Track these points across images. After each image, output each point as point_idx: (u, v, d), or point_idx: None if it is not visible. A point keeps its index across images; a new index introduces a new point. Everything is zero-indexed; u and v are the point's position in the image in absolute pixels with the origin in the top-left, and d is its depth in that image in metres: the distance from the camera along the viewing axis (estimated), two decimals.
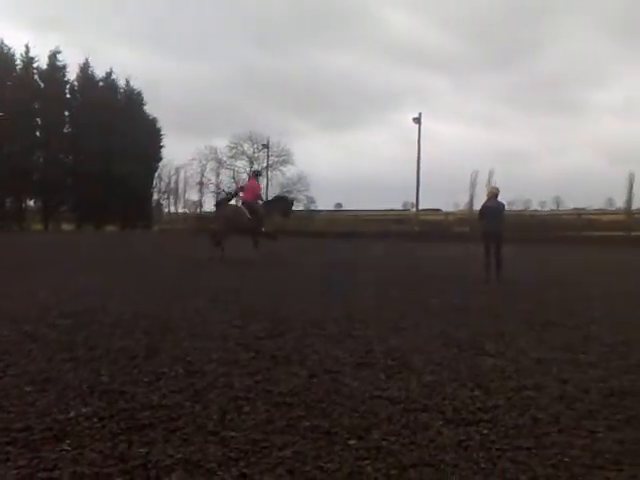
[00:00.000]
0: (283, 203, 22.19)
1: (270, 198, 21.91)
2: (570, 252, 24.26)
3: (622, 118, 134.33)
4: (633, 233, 33.18)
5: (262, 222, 20.30)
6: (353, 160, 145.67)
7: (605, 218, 45.35)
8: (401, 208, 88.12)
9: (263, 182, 72.53)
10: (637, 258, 20.84)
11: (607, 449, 3.92)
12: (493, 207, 14.85)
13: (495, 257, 14.40)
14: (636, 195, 71.74)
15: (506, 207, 15.80)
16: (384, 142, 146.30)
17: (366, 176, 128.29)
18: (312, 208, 74.79)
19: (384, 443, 4.01)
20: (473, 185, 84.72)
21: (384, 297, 11.05)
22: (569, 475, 3.53)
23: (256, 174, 22.08)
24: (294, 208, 23.66)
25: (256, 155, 77.97)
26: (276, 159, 75.57)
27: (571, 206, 74.67)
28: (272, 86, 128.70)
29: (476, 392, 5.14)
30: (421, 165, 50.34)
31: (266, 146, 70.45)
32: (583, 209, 62.76)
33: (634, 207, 62.35)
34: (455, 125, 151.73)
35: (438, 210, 65.35)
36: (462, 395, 5.06)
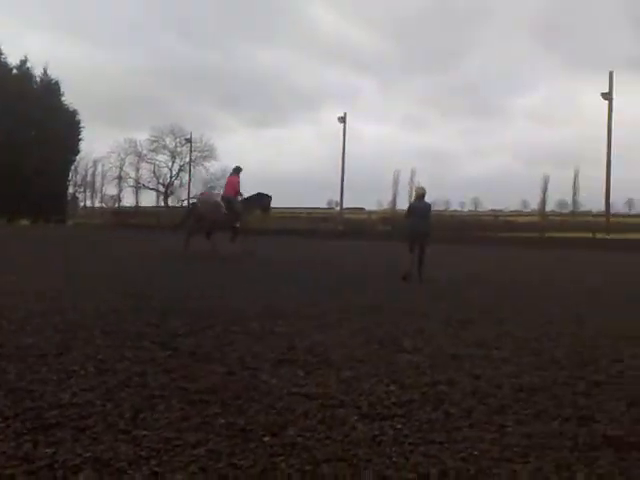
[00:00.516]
0: (262, 199, 22.38)
1: (249, 195, 21.86)
2: (487, 252, 25.00)
3: (539, 122, 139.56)
4: (547, 234, 34.49)
5: (239, 217, 20.85)
6: (279, 157, 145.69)
7: (520, 219, 47.02)
8: (326, 206, 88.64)
9: (186, 177, 71.52)
10: (550, 257, 21.67)
11: (515, 443, 4.03)
12: (420, 207, 15.12)
13: (419, 256, 14.65)
14: (550, 197, 74.88)
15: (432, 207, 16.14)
16: (310, 140, 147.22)
17: (292, 174, 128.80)
18: None
19: (299, 439, 4.00)
20: (396, 184, 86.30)
21: (308, 294, 11.06)
22: (478, 468, 3.61)
23: (237, 170, 21.86)
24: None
25: (178, 150, 76.80)
26: (199, 154, 74.57)
27: (489, 207, 77.08)
28: (197, 79, 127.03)
29: (392, 387, 5.21)
30: (346, 164, 50.84)
31: (189, 140, 69.20)
32: (500, 210, 64.98)
33: (548, 209, 64.97)
34: (380, 125, 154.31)
35: (362, 209, 66.03)
36: (378, 390, 5.11)
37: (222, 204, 20.89)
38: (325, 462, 3.66)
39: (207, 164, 75.33)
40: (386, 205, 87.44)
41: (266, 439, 4.00)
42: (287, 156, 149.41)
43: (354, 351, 6.54)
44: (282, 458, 3.70)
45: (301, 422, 4.33)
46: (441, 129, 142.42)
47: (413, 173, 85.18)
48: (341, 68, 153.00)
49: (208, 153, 75.27)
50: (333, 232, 39.04)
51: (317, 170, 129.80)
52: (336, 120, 50.21)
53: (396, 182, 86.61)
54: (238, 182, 21.65)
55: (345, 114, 50.47)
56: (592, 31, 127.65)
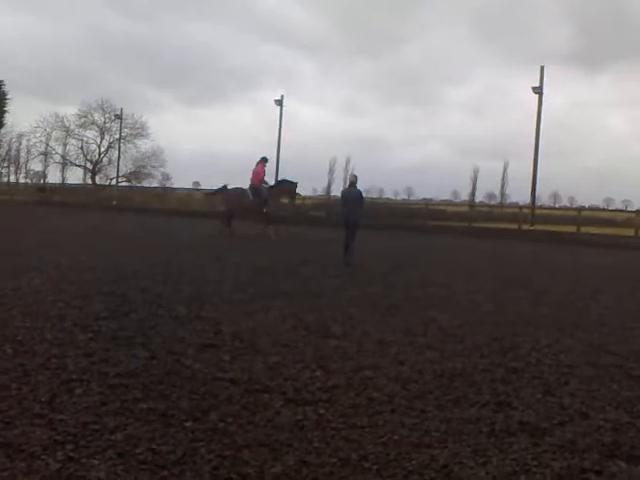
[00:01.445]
0: (288, 186, 23.55)
1: (275, 182, 23.91)
2: (417, 239, 25.43)
3: (473, 113, 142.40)
4: (474, 224, 35.36)
5: (265, 203, 22.41)
6: (214, 137, 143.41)
7: (450, 209, 47.99)
8: None
9: (115, 154, 69.51)
10: (479, 247, 22.23)
11: (435, 428, 4.12)
12: (351, 194, 15.32)
13: (349, 242, 14.79)
14: (479, 189, 76.82)
15: (363, 194, 16.30)
16: (247, 121, 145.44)
17: (227, 155, 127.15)
18: (167, 185, 72.79)
19: (221, 424, 3.98)
20: (331, 171, 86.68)
21: (239, 279, 10.97)
22: (397, 453, 3.68)
23: (263, 160, 23.08)
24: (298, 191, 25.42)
25: (108, 126, 74.60)
26: (130, 131, 72.56)
27: (421, 196, 78.36)
28: (130, 54, 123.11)
29: (318, 373, 5.24)
30: (282, 148, 50.58)
31: (119, 117, 67.06)
32: (431, 200, 66.23)
33: (477, 200, 66.59)
34: (318, 109, 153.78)
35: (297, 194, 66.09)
36: (304, 376, 5.13)
37: (248, 191, 22.69)
38: (246, 447, 3.65)
39: (138, 142, 73.42)
40: (321, 191, 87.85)
41: (187, 424, 3.96)
42: (222, 136, 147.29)
43: (281, 337, 6.53)
44: (203, 443, 3.67)
45: (224, 407, 4.31)
46: (378, 116, 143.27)
47: (348, 160, 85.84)
48: (281, 48, 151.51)
49: (139, 131, 73.35)
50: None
51: (253, 152, 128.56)
52: (273, 102, 49.84)
53: (332, 169, 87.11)
54: (264, 171, 23.03)
55: (282, 97, 50.04)
56: (529, 25, 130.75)
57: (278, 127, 49.59)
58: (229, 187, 24.14)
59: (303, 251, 17.80)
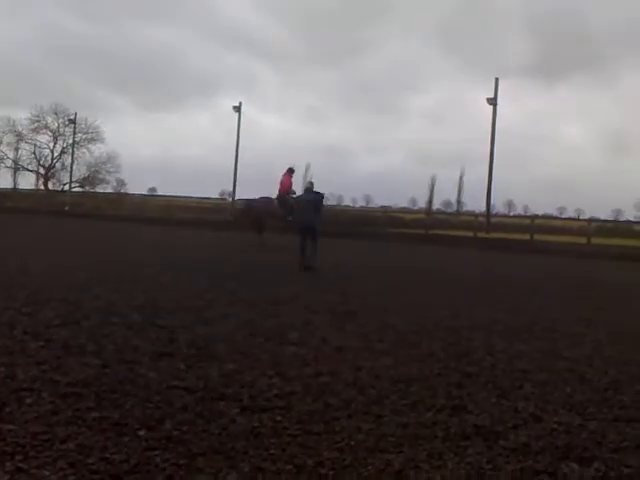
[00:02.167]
0: (315, 196, 23.18)
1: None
2: (375, 246, 25.56)
3: (432, 122, 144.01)
4: (431, 231, 35.77)
5: (291, 212, 22.30)
6: (172, 143, 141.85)
7: (408, 217, 48.46)
8: (218, 197, 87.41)
9: (68, 160, 68.01)
10: (435, 254, 22.49)
11: (391, 433, 4.13)
12: (306, 199, 15.56)
13: (310, 248, 14.89)
14: (436, 196, 77.77)
15: (322, 200, 16.42)
16: (206, 128, 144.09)
17: (184, 161, 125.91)
18: (122, 191, 71.58)
19: (175, 433, 3.92)
20: None
21: (194, 286, 10.86)
22: (353, 458, 3.67)
23: (290, 170, 23.77)
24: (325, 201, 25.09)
25: (61, 130, 72.99)
26: (84, 136, 71.14)
27: (380, 204, 78.86)
28: (85, 57, 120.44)
29: (274, 380, 5.21)
30: (242, 154, 50.30)
31: (73, 121, 65.65)
32: (389, 207, 66.79)
33: (434, 208, 67.46)
34: (280, 117, 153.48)
35: None
36: (261, 383, 5.10)
37: (274, 200, 23.46)
38: (201, 455, 3.60)
39: (92, 147, 72.00)
40: None
41: (141, 433, 3.89)
42: (181, 142, 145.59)
43: (238, 344, 6.48)
44: (157, 452, 3.61)
45: (179, 415, 4.24)
46: (339, 124, 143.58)
47: (308, 167, 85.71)
48: (241, 55, 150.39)
49: (94, 135, 71.96)
50: (223, 223, 38.50)
51: (211, 159, 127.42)
52: (232, 108, 49.42)
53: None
54: (291, 181, 23.62)
55: (240, 103, 49.59)
56: (489, 36, 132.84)
57: (237, 132, 49.26)
58: (257, 197, 24.98)
59: (260, 257, 17.72)
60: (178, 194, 68.99)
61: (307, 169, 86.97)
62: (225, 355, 5.95)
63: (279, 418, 4.28)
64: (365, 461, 3.64)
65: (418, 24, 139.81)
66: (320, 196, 16.06)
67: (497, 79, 39.39)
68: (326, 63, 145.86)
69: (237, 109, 49.26)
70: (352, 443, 3.90)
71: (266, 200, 24.20)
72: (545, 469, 3.67)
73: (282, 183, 23.57)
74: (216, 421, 4.17)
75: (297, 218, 15.66)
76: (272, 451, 3.71)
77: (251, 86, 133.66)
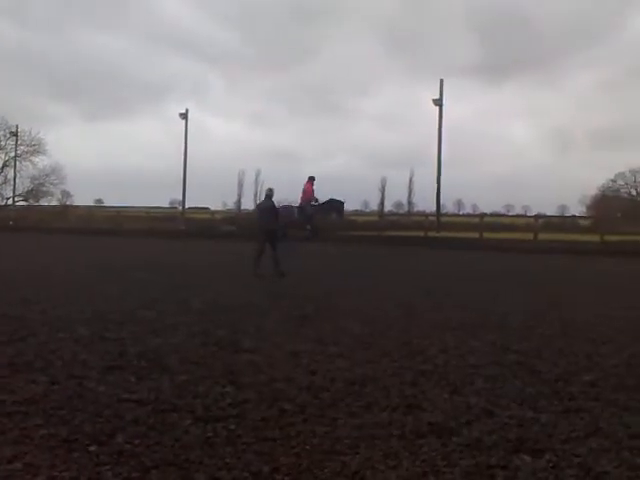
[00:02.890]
0: (335, 204, 25.28)
1: (324, 200, 25.22)
2: (328, 251, 25.61)
3: (382, 124, 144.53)
4: (384, 233, 36.04)
5: (310, 220, 23.82)
6: (119, 152, 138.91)
7: (360, 219, 48.67)
8: (168, 206, 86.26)
9: (10, 173, 66.16)
10: (387, 255, 22.64)
11: (346, 435, 4.13)
12: (266, 207, 15.70)
13: (270, 254, 15.01)
14: (387, 198, 78.54)
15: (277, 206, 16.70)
16: (153, 135, 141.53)
17: (132, 171, 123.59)
18: (68, 203, 69.82)
19: (127, 446, 3.84)
20: (241, 184, 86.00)
21: (144, 296, 10.67)
22: (309, 462, 3.66)
23: (311, 179, 24.49)
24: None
25: (2, 144, 71.06)
26: (26, 149, 69.30)
27: None
28: (27, 66, 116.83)
29: (228, 388, 5.15)
30: (191, 161, 49.82)
31: (14, 134, 63.97)
32: None
33: (386, 209, 68.04)
34: (228, 122, 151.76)
35: (207, 208, 64.83)
36: (214, 392, 5.04)
37: (294, 209, 24.55)
38: (154, 468, 3.54)
39: (35, 159, 70.17)
40: (231, 205, 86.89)
41: (92, 448, 3.80)
42: (128, 151, 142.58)
43: (190, 354, 6.39)
44: (108, 467, 3.54)
45: (130, 429, 4.16)
46: (289, 128, 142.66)
47: (259, 173, 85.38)
48: (189, 60, 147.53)
49: (36, 147, 70.12)
50: (174, 232, 37.98)
51: (160, 167, 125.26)
52: (179, 115, 48.74)
53: (241, 182, 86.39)
54: (312, 189, 24.39)
55: (187, 110, 48.97)
56: (436, 37, 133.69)
57: (184, 140, 48.70)
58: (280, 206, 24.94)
59: (212, 266, 17.55)
60: (126, 204, 67.56)
61: (257, 174, 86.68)
62: (177, 366, 5.87)
63: (233, 427, 4.24)
64: (321, 464, 3.63)
65: (365, 25, 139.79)
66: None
67: (442, 80, 40.03)
68: (275, 66, 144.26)
69: (184, 116, 48.70)
70: (308, 447, 3.89)
71: (287, 209, 24.73)
72: (498, 463, 3.72)
73: (305, 191, 24.23)
74: (169, 433, 4.10)
75: (259, 224, 15.83)
76: (227, 460, 3.67)
77: (199, 91, 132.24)
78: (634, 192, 79.21)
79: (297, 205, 24.81)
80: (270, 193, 16.01)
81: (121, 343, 6.79)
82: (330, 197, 25.25)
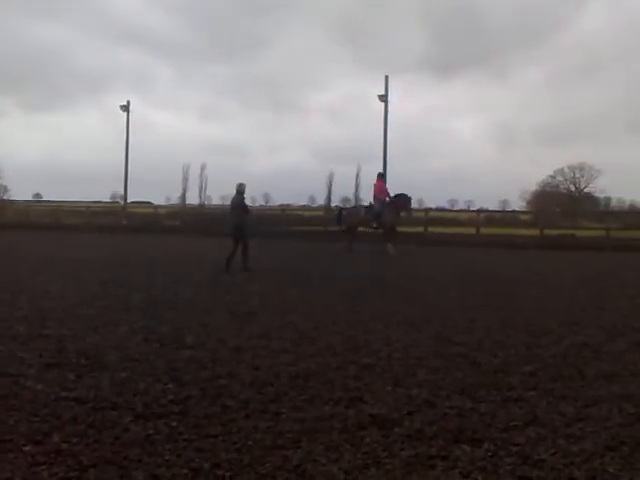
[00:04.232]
0: (403, 200, 23.97)
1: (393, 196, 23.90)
2: (275, 246, 25.53)
3: (331, 119, 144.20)
4: (330, 228, 36.18)
5: (378, 218, 23.08)
6: (59, 145, 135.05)
7: (307, 214, 48.77)
8: (109, 200, 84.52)
9: None
10: (334, 250, 22.72)
11: (289, 429, 4.13)
12: (234, 202, 15.88)
13: (240, 249, 15.14)
14: (334, 193, 78.85)
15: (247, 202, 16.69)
16: (95, 127, 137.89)
17: (73, 164, 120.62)
18: (5, 198, 67.75)
19: (65, 445, 3.76)
20: (185, 178, 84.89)
21: (84, 293, 10.44)
22: (250, 457, 3.64)
23: (381, 175, 24.27)
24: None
25: None
26: None
27: (279, 202, 78.84)
28: None
29: (170, 385, 5.08)
30: (135, 155, 48.94)
31: None
32: (289, 205, 67.05)
33: (333, 204, 68.26)
34: (176, 115, 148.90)
35: (150, 203, 63.73)
36: (155, 389, 4.96)
37: (361, 208, 24.80)
38: (92, 467, 3.47)
39: None
40: (175, 200, 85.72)
41: (27, 448, 3.70)
42: (68, 144, 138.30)
43: (131, 351, 6.28)
44: (44, 467, 3.45)
45: (68, 428, 4.06)
46: (238, 121, 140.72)
47: (204, 167, 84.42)
48: (134, 50, 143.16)
49: None
50: (116, 227, 37.24)
51: (102, 160, 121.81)
52: (120, 107, 47.54)
53: (185, 176, 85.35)
54: (380, 186, 23.81)
55: (128, 102, 47.60)
56: (387, 32, 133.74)
57: (126, 133, 47.62)
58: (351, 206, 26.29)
59: (155, 261, 17.29)
60: (66, 199, 65.62)
61: (202, 169, 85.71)
62: (117, 363, 5.76)
63: (175, 424, 4.18)
64: (263, 459, 3.62)
65: (319, 18, 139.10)
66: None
67: (387, 76, 40.19)
68: (224, 58, 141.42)
69: (125, 108, 47.61)
70: (250, 443, 3.87)
71: (357, 208, 25.51)
72: (438, 453, 3.77)
73: (379, 189, 23.69)
74: (108, 431, 4.02)
75: (230, 220, 15.99)
76: (167, 457, 3.62)
77: (144, 83, 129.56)
78: (572, 188, 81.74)
79: (370, 203, 24.29)
80: (240, 188, 15.97)
81: (60, 340, 6.63)
82: (399, 192, 24.46)
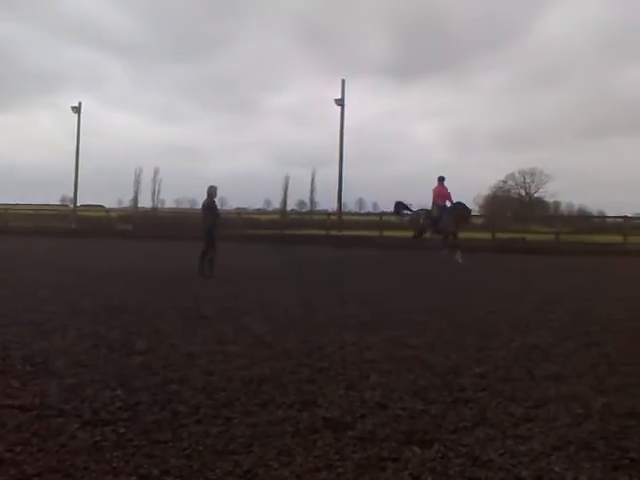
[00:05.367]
0: (463, 212, 23.27)
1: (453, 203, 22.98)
2: (230, 250, 25.41)
3: (289, 122, 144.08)
4: (286, 231, 36.19)
5: (436, 224, 22.46)
6: (7, 147, 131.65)
7: (264, 218, 48.66)
8: (59, 203, 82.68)
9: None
10: (290, 254, 22.72)
11: (240, 434, 4.09)
12: (205, 205, 15.88)
13: (210, 253, 15.18)
14: (290, 197, 78.97)
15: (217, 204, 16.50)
16: (45, 128, 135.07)
17: (21, 166, 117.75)
18: None
19: (8, 454, 3.65)
20: (137, 181, 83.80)
21: (31, 298, 10.17)
22: (201, 463, 3.59)
23: (441, 179, 23.03)
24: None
25: None
26: None
27: (234, 206, 78.39)
28: None
29: (119, 392, 4.98)
30: (86, 157, 48.12)
31: None
32: (244, 209, 66.75)
33: (288, 208, 68.25)
34: (130, 116, 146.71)
35: (102, 206, 62.49)
36: (103, 396, 4.86)
37: (422, 213, 23.75)
38: (36, 476, 3.38)
39: None
40: (127, 203, 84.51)
41: None
42: (17, 146, 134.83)
43: (79, 357, 6.14)
44: None
45: (12, 436, 3.95)
46: (194, 123, 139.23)
47: (157, 170, 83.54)
48: (87, 49, 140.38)
49: None
50: (65, 231, 36.43)
51: (52, 163, 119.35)
52: (71, 109, 46.52)
53: (137, 179, 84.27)
54: (440, 190, 22.75)
55: (80, 104, 46.71)
56: (348, 35, 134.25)
57: (77, 134, 46.69)
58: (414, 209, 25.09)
59: (107, 266, 16.98)
60: (13, 201, 63.73)
61: (156, 172, 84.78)
62: (64, 370, 5.62)
63: (123, 430, 4.10)
64: (213, 464, 3.58)
65: (281, 20, 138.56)
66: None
67: (344, 80, 40.56)
68: (181, 58, 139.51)
69: (77, 110, 46.70)
70: (200, 448, 3.82)
71: (420, 212, 24.42)
72: (389, 455, 3.79)
73: (439, 193, 22.98)
74: (54, 439, 3.93)
75: (202, 223, 15.89)
76: (115, 464, 3.55)
77: (98, 83, 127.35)
78: (523, 192, 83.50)
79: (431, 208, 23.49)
80: (211, 191, 15.84)
81: (5, 347, 6.44)
82: (459, 201, 23.42)
